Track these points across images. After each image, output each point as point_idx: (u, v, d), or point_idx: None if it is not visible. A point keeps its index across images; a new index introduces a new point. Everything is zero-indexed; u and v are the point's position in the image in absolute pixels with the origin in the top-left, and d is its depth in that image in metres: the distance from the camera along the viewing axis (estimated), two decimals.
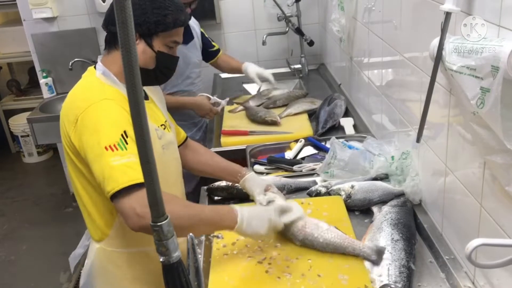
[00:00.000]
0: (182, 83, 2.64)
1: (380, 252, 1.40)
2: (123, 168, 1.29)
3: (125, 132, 1.33)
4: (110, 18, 1.49)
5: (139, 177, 1.26)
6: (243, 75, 2.85)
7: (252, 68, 2.77)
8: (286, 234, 1.50)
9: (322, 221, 1.50)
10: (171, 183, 1.62)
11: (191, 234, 1.16)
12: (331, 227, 1.47)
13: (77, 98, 1.45)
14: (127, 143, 1.32)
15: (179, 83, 2.62)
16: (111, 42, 1.51)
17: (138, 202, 1.26)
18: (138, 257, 1.56)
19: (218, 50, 2.85)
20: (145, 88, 1.60)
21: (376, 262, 1.38)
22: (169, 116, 1.78)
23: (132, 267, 1.57)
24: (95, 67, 1.53)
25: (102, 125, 1.35)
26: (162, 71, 1.54)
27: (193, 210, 1.37)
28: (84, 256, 1.68)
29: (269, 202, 1.58)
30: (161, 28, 1.47)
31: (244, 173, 1.73)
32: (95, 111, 1.37)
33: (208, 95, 2.60)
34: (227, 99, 2.66)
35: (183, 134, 1.84)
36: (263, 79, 2.78)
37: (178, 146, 1.77)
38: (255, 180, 1.72)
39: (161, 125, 1.59)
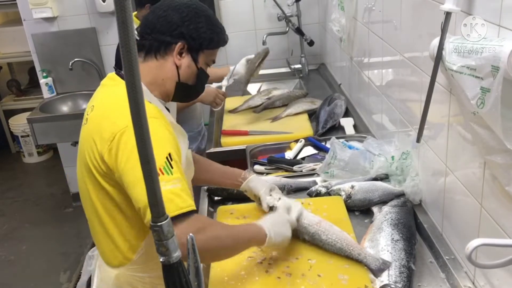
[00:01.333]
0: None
1: (384, 266, 1.37)
2: (169, 196, 1.21)
3: (169, 154, 1.25)
4: (154, 26, 1.41)
5: (185, 206, 1.22)
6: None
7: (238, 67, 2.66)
8: (302, 236, 1.51)
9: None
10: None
11: (191, 234, 1.16)
12: (343, 232, 1.48)
13: (113, 113, 1.33)
14: (172, 167, 1.24)
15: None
16: (152, 51, 1.42)
17: (184, 233, 1.15)
18: (159, 280, 1.49)
19: None
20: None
21: (375, 273, 1.37)
22: None
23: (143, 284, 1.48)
24: (117, 74, 1.44)
25: None
26: (198, 89, 1.51)
27: (231, 231, 1.35)
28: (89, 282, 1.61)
29: (273, 207, 1.58)
30: (212, 45, 1.45)
31: (247, 176, 1.70)
32: None
33: (208, 84, 2.56)
34: (227, 77, 2.60)
35: None
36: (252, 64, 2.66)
37: None
38: (259, 181, 1.70)
39: None
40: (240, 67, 2.65)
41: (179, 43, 1.41)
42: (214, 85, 2.62)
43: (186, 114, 2.60)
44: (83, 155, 1.37)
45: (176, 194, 1.22)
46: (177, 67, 1.43)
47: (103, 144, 1.29)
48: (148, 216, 1.19)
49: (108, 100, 1.40)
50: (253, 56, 2.67)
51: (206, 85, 2.51)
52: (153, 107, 1.37)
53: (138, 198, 1.23)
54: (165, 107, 1.46)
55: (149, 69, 1.42)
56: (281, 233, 1.39)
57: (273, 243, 1.37)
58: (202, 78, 1.49)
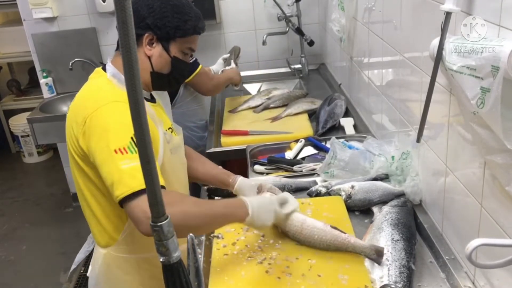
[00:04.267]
0: (189, 92, 2.66)
1: (379, 252, 1.39)
2: (132, 172, 1.26)
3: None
4: None
5: None
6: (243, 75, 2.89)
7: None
8: (287, 234, 1.50)
9: (319, 221, 1.50)
10: (178, 187, 1.60)
11: (191, 234, 1.16)
12: (327, 227, 1.46)
13: (86, 100, 1.43)
14: (136, 146, 1.29)
15: (188, 93, 2.64)
16: None
17: (147, 207, 1.25)
18: (145, 263, 1.54)
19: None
20: (153, 92, 1.60)
21: (377, 261, 1.37)
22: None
23: (139, 273, 1.55)
24: (103, 69, 1.51)
25: (112, 128, 1.32)
26: (175, 76, 1.54)
27: (205, 207, 1.37)
28: (85, 260, 1.67)
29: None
30: (180, 33, 1.47)
31: (233, 183, 1.71)
32: (105, 112, 1.34)
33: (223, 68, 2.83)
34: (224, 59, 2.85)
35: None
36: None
37: None
38: (245, 186, 1.69)
39: (169, 129, 1.57)
40: (217, 67, 2.86)
41: (146, 34, 1.46)
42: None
43: (189, 108, 2.66)
44: (67, 142, 1.47)
45: (140, 171, 1.25)
46: (149, 58, 1.48)
47: (78, 128, 1.38)
48: (116, 192, 1.27)
49: (85, 90, 1.49)
50: (228, 55, 2.90)
51: (225, 69, 2.74)
52: (122, 93, 1.39)
53: (106, 176, 1.31)
54: (152, 97, 1.55)
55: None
56: (262, 218, 1.40)
57: (251, 223, 1.40)
58: (178, 66, 1.51)
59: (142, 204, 1.24)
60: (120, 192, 1.26)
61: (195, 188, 2.37)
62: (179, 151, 1.62)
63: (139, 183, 1.24)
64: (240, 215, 1.38)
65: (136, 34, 1.41)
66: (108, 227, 1.49)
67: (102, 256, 1.54)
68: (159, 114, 1.54)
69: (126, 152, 1.28)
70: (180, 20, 1.46)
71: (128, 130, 1.31)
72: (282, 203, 1.48)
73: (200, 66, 2.51)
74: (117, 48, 1.52)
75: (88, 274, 1.62)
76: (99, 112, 1.34)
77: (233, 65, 2.82)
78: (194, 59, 2.49)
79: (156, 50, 1.47)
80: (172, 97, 2.55)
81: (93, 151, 1.34)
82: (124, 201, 1.26)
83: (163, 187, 1.31)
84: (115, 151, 1.28)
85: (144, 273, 1.55)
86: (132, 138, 1.30)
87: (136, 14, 1.43)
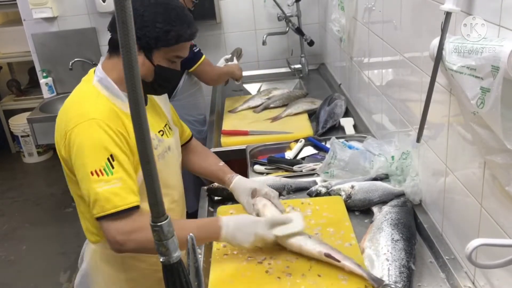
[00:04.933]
0: (190, 85, 2.67)
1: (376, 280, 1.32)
2: (107, 195, 1.31)
3: (111, 155, 1.34)
4: (113, 24, 1.44)
5: (122, 204, 1.32)
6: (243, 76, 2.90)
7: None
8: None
9: (318, 242, 1.42)
10: (166, 192, 1.57)
11: (191, 234, 1.16)
12: (321, 255, 1.37)
13: (70, 110, 1.42)
14: (113, 167, 1.33)
15: (189, 86, 2.66)
16: (115, 48, 1.45)
17: (118, 230, 1.32)
18: (132, 260, 1.55)
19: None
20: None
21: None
22: (175, 114, 1.76)
23: (127, 269, 1.57)
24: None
25: (87, 149, 1.34)
26: (160, 84, 1.49)
27: (175, 225, 1.36)
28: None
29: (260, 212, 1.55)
30: (161, 43, 1.41)
31: (229, 182, 1.68)
32: (83, 131, 1.35)
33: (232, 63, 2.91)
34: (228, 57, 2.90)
35: (187, 133, 1.81)
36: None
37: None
38: (240, 187, 1.65)
39: (159, 131, 1.55)
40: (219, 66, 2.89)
41: None
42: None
43: (189, 102, 2.70)
44: (55, 144, 1.47)
45: (115, 193, 1.32)
46: None
47: (61, 140, 1.40)
48: (92, 211, 1.34)
49: (73, 97, 1.48)
50: (229, 56, 2.94)
51: (227, 65, 2.83)
52: (103, 105, 1.41)
53: (84, 193, 1.36)
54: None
55: (113, 65, 1.45)
56: (237, 239, 1.39)
57: (228, 242, 1.42)
58: (162, 74, 1.46)
59: (112, 228, 1.33)
60: (96, 212, 1.33)
61: (196, 188, 2.38)
62: (170, 154, 1.58)
63: (112, 206, 1.31)
64: (215, 237, 1.41)
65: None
66: (95, 225, 1.50)
67: (92, 251, 1.57)
68: (149, 117, 1.51)
69: (102, 174, 1.32)
70: (161, 30, 1.38)
71: (104, 150, 1.33)
72: (277, 225, 1.42)
73: (203, 56, 2.57)
74: (109, 50, 1.49)
75: (78, 265, 1.65)
76: (78, 129, 1.35)
77: (235, 61, 2.88)
78: (197, 49, 2.55)
79: (139, 58, 1.38)
80: (173, 89, 2.57)
81: (73, 165, 1.39)
82: (99, 219, 1.34)
83: (136, 207, 1.35)
84: (91, 173, 1.32)
85: (131, 269, 1.57)
86: (108, 158, 1.33)
87: None
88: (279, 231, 1.41)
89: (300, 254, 1.44)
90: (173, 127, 1.68)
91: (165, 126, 1.60)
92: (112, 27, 1.45)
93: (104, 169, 1.32)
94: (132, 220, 1.34)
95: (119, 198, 1.32)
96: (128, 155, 1.38)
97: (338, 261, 1.35)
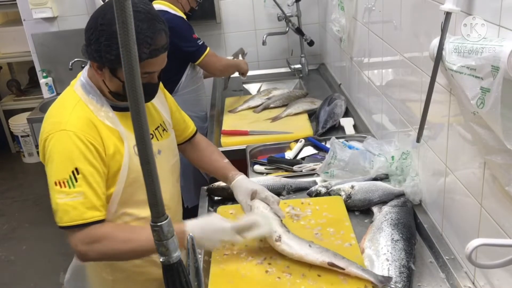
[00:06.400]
0: (192, 81, 2.67)
1: (384, 281, 1.32)
2: (66, 208, 1.33)
3: (76, 169, 1.34)
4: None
5: (79, 219, 1.33)
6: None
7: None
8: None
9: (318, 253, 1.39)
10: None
11: (190, 234, 1.16)
12: (324, 264, 1.36)
13: (49, 117, 1.44)
14: (76, 181, 1.33)
15: (191, 81, 2.66)
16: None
17: (80, 240, 1.34)
18: (122, 262, 1.53)
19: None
20: None
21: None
22: (179, 111, 1.74)
23: (115, 272, 1.56)
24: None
25: (56, 159, 1.35)
26: None
27: (133, 244, 1.37)
28: None
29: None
30: (119, 65, 1.32)
31: (231, 179, 1.67)
32: (54, 141, 1.37)
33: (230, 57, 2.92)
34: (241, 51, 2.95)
35: (191, 129, 1.79)
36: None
37: (184, 142, 1.76)
38: (241, 186, 1.64)
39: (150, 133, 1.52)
40: None
41: (92, 62, 1.39)
42: None
43: (191, 97, 2.69)
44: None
45: (73, 207, 1.33)
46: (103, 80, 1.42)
47: (40, 146, 1.43)
48: (55, 218, 1.35)
49: (55, 102, 1.49)
50: (231, 57, 2.95)
51: (234, 59, 2.85)
52: (79, 113, 1.40)
53: (50, 199, 1.36)
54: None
55: (93, 74, 1.44)
56: (205, 245, 1.41)
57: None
58: None
59: (73, 239, 1.34)
60: (57, 221, 1.36)
61: (196, 186, 2.38)
62: (159, 158, 1.54)
63: (69, 219, 1.33)
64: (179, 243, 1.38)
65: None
66: None
67: None
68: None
69: (65, 186, 1.33)
70: (116, 52, 1.30)
71: (70, 163, 1.34)
72: (247, 229, 1.40)
73: (208, 49, 2.57)
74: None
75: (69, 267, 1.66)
76: (51, 138, 1.37)
77: (241, 58, 2.91)
78: (201, 42, 2.55)
79: (106, 75, 1.38)
80: (174, 84, 2.57)
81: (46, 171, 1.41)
82: (61, 228, 1.35)
83: (100, 221, 1.36)
84: (55, 182, 1.34)
85: (119, 273, 1.56)
86: (72, 171, 1.33)
87: (84, 37, 1.38)
88: (250, 234, 1.41)
89: None
90: (169, 128, 1.64)
91: (156, 128, 1.57)
92: (86, 29, 1.37)
93: (67, 181, 1.33)
94: (93, 230, 1.35)
95: (77, 212, 1.33)
96: (98, 168, 1.37)
97: (343, 269, 1.33)
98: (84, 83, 1.44)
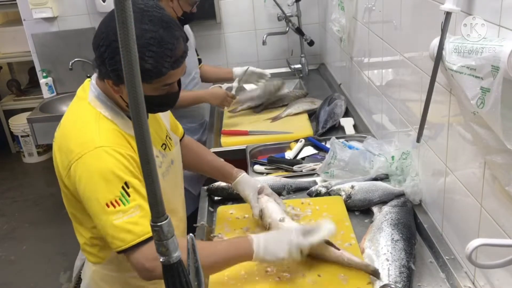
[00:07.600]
0: (190, 84, 2.65)
1: (374, 273, 1.34)
2: (127, 227, 1.23)
3: (126, 183, 1.25)
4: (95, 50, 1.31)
5: (143, 233, 1.23)
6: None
7: (239, 71, 2.77)
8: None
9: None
10: (170, 209, 1.49)
11: (191, 234, 1.16)
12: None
13: (71, 137, 1.31)
14: (129, 195, 1.24)
15: (187, 83, 2.63)
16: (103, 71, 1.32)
17: (146, 257, 1.23)
18: (135, 280, 1.47)
19: (200, 60, 2.78)
20: None
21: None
22: (171, 117, 1.69)
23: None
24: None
25: (98, 180, 1.24)
26: (155, 109, 1.39)
27: (207, 251, 1.30)
28: (81, 267, 1.64)
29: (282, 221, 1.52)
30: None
31: (236, 175, 1.66)
32: (90, 162, 1.25)
33: (219, 85, 2.65)
34: (237, 79, 2.69)
35: (180, 131, 1.74)
36: (258, 77, 2.80)
37: None
38: (247, 182, 1.64)
39: (162, 145, 1.47)
40: (235, 83, 2.71)
41: (106, 80, 1.30)
42: (225, 85, 2.70)
43: (189, 108, 2.62)
44: (54, 165, 1.39)
45: (134, 223, 1.24)
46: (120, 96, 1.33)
47: (63, 169, 1.31)
48: (112, 245, 1.25)
49: (70, 120, 1.37)
50: (236, 84, 2.72)
51: (216, 85, 2.63)
52: (106, 127, 1.31)
53: (99, 228, 1.28)
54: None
55: (105, 87, 1.34)
56: (270, 250, 1.31)
57: (262, 258, 1.32)
58: (154, 101, 1.30)
59: (139, 257, 1.23)
60: (116, 246, 1.25)
61: (196, 185, 2.37)
62: (173, 169, 1.51)
63: (134, 237, 1.23)
64: (246, 253, 1.32)
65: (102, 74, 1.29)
66: (94, 250, 1.44)
67: (91, 271, 1.51)
68: (152, 131, 1.42)
69: (118, 205, 1.23)
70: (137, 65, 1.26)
71: (117, 179, 1.24)
72: (308, 233, 1.35)
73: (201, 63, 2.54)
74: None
75: (74, 271, 1.62)
76: (84, 160, 1.26)
77: (235, 83, 2.70)
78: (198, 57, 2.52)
79: (124, 90, 1.27)
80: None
81: (81, 198, 1.29)
82: (122, 252, 1.26)
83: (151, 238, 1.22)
84: (107, 205, 1.23)
85: None
86: (122, 187, 1.24)
87: (96, 53, 1.29)
88: (313, 239, 1.34)
89: None
90: (172, 134, 1.60)
91: (166, 137, 1.53)
92: (96, 45, 1.30)
93: (120, 199, 1.23)
94: None
95: (140, 227, 1.23)
96: (141, 179, 1.28)
97: (338, 249, 1.37)
98: (98, 95, 1.35)
